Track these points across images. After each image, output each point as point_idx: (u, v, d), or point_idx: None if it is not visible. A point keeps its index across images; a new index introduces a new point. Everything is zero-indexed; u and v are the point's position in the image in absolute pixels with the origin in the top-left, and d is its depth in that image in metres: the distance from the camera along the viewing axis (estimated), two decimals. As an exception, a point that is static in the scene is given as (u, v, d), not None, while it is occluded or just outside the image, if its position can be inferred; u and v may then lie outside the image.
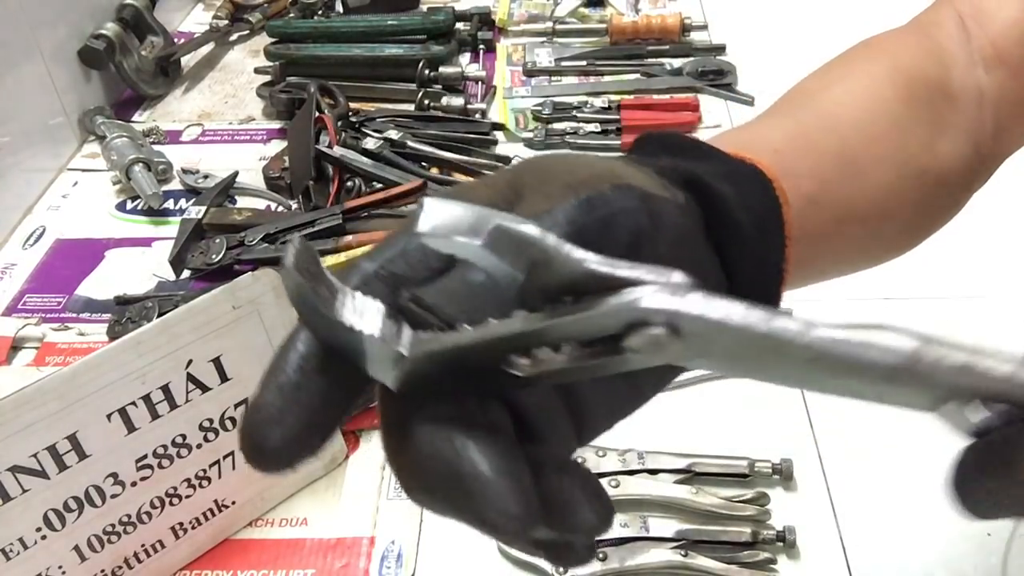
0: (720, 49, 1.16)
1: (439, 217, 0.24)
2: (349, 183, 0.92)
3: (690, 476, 0.65)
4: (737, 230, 0.31)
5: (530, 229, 0.24)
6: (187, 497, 0.60)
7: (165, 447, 0.58)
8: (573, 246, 0.24)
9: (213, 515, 0.62)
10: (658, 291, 0.23)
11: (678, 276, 0.23)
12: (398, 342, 0.24)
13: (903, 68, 0.40)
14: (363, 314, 0.24)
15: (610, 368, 0.24)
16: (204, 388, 0.57)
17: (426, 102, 1.06)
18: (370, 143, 0.96)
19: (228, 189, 0.96)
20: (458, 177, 0.94)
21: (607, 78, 1.13)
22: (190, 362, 0.56)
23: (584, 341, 0.24)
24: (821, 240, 0.35)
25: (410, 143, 0.97)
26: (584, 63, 1.15)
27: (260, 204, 0.95)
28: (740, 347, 0.23)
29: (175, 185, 0.99)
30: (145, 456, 0.57)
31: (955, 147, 0.40)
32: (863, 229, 0.37)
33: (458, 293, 0.26)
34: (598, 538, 0.61)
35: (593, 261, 0.23)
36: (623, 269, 0.23)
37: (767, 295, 0.32)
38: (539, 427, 0.27)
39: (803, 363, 0.22)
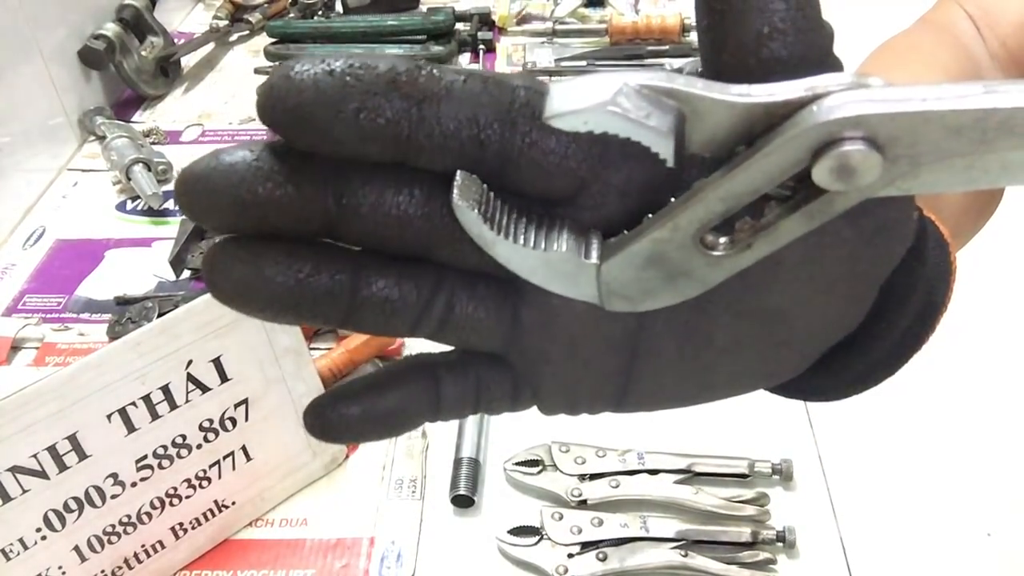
0: (720, 49, 1.16)
1: (569, 97, 0.20)
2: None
3: (690, 476, 0.65)
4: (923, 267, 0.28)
5: (674, 79, 0.20)
6: (187, 497, 0.60)
7: (165, 447, 0.58)
8: (726, 84, 0.20)
9: (213, 515, 0.62)
10: (837, 97, 0.19)
11: (855, 77, 0.19)
12: (589, 254, 0.23)
13: (952, 74, 0.39)
14: (547, 234, 0.23)
15: (817, 217, 0.21)
16: (204, 388, 0.57)
17: (426, 102, 1.06)
18: (370, 143, 0.96)
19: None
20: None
21: (607, 78, 1.13)
22: (190, 362, 0.56)
23: (782, 195, 0.21)
24: None
25: (410, 143, 0.96)
26: (584, 63, 1.15)
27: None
28: (958, 139, 0.19)
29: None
30: (145, 456, 0.57)
31: None
32: None
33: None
34: (596, 539, 0.62)
35: (754, 92, 0.20)
36: (791, 89, 0.20)
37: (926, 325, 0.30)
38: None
39: None
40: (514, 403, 0.27)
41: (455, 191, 0.22)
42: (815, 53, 0.22)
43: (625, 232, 0.23)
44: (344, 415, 0.26)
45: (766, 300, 0.26)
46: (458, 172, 0.22)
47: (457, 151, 0.22)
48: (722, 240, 0.22)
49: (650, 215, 0.23)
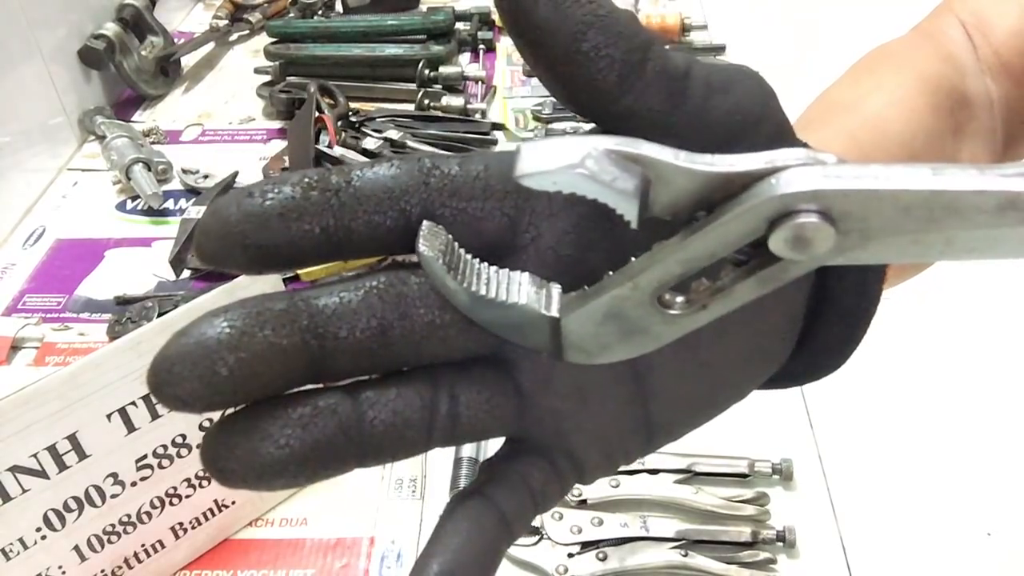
0: (720, 49, 1.16)
1: (539, 157, 0.21)
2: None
3: (690, 476, 0.65)
4: None
5: (640, 145, 0.21)
6: (187, 497, 0.60)
7: (165, 447, 0.58)
8: (690, 153, 0.21)
9: (213, 515, 0.62)
10: (794, 172, 0.20)
11: (811, 153, 0.20)
12: (549, 306, 0.23)
13: (927, 77, 0.39)
14: (508, 286, 0.24)
15: (770, 283, 0.22)
16: (204, 388, 0.57)
17: (426, 102, 1.06)
18: (370, 143, 0.96)
19: (228, 189, 0.96)
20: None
21: (607, 78, 1.13)
22: (190, 362, 0.56)
23: (737, 260, 0.22)
24: None
25: (410, 143, 0.97)
26: (584, 63, 1.15)
27: (260, 204, 0.95)
28: (906, 216, 0.20)
29: (175, 185, 0.99)
30: (145, 456, 0.57)
31: (974, 155, 0.40)
32: None
33: (574, 239, 0.25)
34: (596, 538, 0.62)
35: (717, 162, 0.21)
36: (751, 161, 0.21)
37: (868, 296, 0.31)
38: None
39: (990, 215, 0.19)
40: (561, 480, 0.27)
41: (420, 241, 0.23)
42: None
43: (585, 288, 0.24)
44: None
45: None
46: (424, 223, 0.23)
47: (384, 225, 0.23)
48: (679, 300, 0.23)
49: (611, 272, 0.23)
